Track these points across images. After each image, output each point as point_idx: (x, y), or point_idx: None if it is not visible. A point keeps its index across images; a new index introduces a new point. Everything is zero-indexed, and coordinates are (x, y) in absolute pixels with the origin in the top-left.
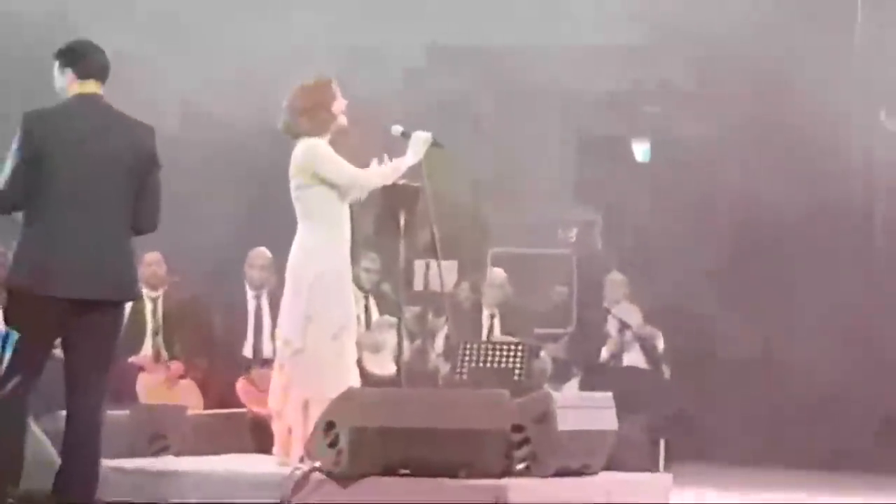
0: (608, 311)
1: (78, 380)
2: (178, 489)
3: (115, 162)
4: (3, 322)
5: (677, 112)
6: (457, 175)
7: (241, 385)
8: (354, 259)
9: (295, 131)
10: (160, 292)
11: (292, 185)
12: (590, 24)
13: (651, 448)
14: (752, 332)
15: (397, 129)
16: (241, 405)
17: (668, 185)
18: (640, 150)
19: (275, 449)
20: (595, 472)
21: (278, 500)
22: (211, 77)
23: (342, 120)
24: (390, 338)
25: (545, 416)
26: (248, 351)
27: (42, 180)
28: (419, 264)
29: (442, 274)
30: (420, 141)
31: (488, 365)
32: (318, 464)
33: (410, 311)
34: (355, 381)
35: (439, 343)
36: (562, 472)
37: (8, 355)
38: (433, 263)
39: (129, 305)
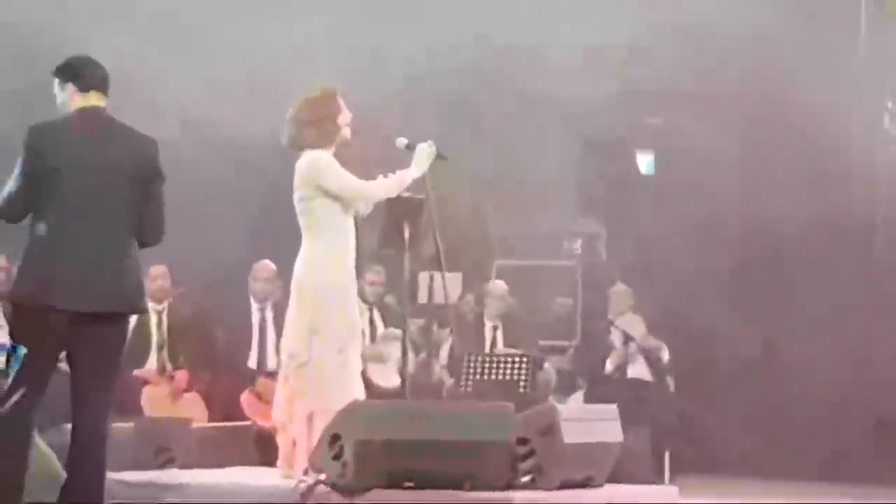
0: (612, 323)
1: (83, 393)
2: (182, 502)
3: (119, 174)
4: (8, 336)
5: (680, 121)
6: (461, 186)
7: (245, 398)
8: (359, 271)
9: (300, 144)
10: (165, 305)
11: (296, 197)
12: (590, 26)
13: (656, 460)
14: (758, 342)
15: (402, 141)
16: (245, 418)
17: (672, 196)
18: (644, 162)
19: (279, 461)
20: (600, 484)
21: None
22: (211, 77)
23: (347, 132)
24: (395, 350)
25: (550, 429)
26: (252, 363)
27: (46, 193)
28: (423, 276)
29: (446, 286)
30: (424, 153)
31: (493, 377)
32: (322, 476)
33: (415, 324)
34: (360, 393)
35: (444, 355)
36: (567, 485)
37: (13, 370)
38: (438, 276)
39: (133, 318)
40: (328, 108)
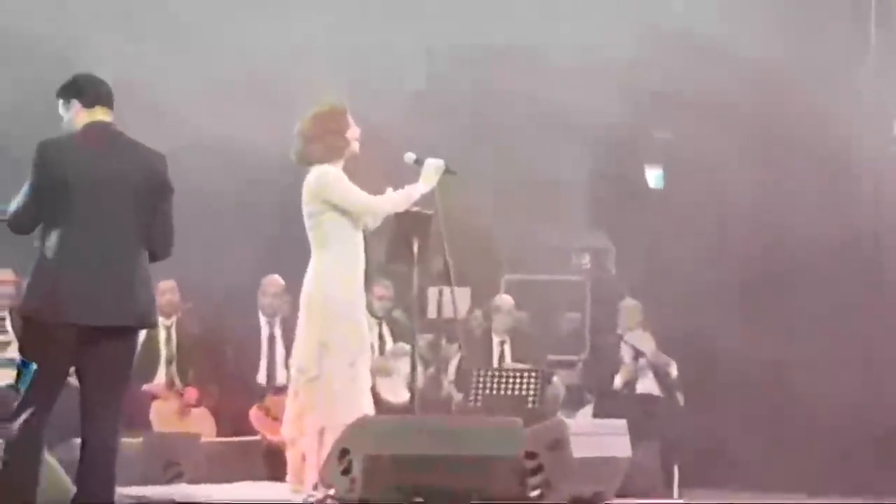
0: (622, 338)
1: (92, 407)
2: None
3: (127, 187)
4: (18, 351)
5: (688, 134)
6: (469, 201)
7: (254, 413)
8: (367, 286)
9: (308, 159)
10: (173, 320)
11: (305, 211)
12: (591, 26)
13: (665, 475)
14: (768, 358)
15: (410, 156)
16: (254, 433)
17: (681, 210)
18: (653, 176)
19: (288, 476)
20: (609, 499)
21: None
22: (211, 77)
23: (355, 147)
24: (404, 365)
25: (559, 443)
26: (261, 378)
27: (56, 208)
28: (432, 291)
29: (455, 301)
30: (432, 168)
31: (501, 392)
32: (331, 491)
33: (424, 339)
34: (370, 408)
35: (452, 370)
36: (575, 499)
37: (24, 388)
38: (446, 290)
39: (143, 332)
40: (337, 124)
